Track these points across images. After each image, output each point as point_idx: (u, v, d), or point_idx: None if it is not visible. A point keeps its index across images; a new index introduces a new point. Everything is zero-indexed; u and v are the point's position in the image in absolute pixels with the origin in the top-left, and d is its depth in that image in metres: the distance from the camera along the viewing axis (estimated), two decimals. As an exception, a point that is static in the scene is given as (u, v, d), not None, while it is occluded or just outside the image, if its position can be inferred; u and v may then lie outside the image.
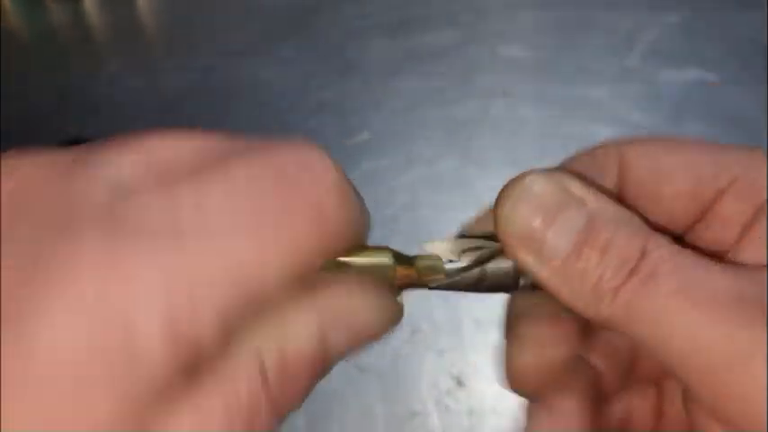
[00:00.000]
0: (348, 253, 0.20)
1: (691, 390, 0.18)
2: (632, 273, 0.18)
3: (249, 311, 0.17)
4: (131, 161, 0.18)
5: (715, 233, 0.22)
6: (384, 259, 0.21)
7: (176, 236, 0.16)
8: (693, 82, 0.51)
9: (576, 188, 0.20)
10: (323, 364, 0.19)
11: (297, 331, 0.18)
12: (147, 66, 0.55)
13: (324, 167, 0.19)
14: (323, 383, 0.43)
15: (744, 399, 0.17)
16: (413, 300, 0.45)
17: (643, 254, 0.19)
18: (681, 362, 0.18)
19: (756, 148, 0.22)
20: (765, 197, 0.21)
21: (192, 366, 0.16)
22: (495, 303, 0.44)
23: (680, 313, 0.18)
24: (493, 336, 0.43)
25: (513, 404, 0.42)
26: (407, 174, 0.49)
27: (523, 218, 0.20)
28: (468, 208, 0.47)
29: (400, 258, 0.21)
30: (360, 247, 0.21)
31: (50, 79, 0.54)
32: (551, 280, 0.19)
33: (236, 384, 0.17)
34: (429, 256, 0.22)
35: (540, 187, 0.20)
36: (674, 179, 0.22)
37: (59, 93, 0.54)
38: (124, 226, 0.16)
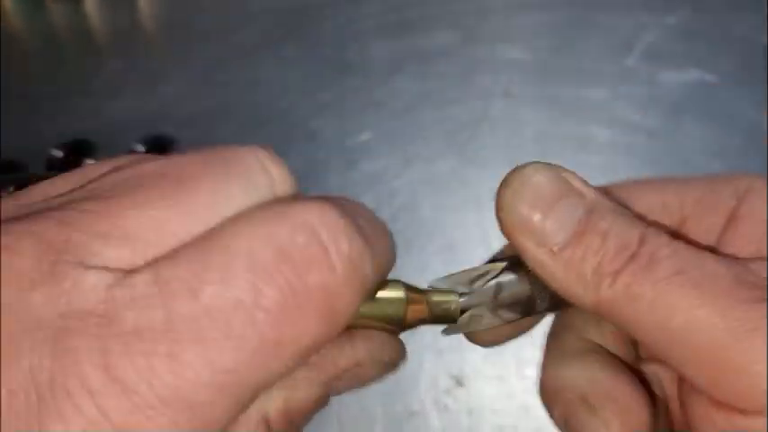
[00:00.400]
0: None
1: (688, 373, 0.19)
2: (632, 258, 0.19)
3: (253, 399, 0.16)
4: (116, 246, 0.16)
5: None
6: (398, 294, 0.21)
7: (172, 343, 0.15)
8: (692, 83, 0.51)
9: (575, 180, 0.20)
10: (323, 406, 0.20)
11: (301, 389, 0.19)
12: (147, 67, 0.55)
13: (333, 235, 0.17)
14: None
15: (744, 373, 0.17)
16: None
17: (642, 240, 0.19)
18: (680, 342, 0.18)
19: (717, 177, 0.23)
20: (730, 206, 0.22)
21: None
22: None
23: (680, 294, 0.18)
24: (492, 336, 0.43)
25: (511, 404, 0.42)
26: (407, 174, 0.49)
27: (524, 206, 0.20)
28: (468, 208, 0.48)
29: (412, 292, 0.21)
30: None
31: (51, 79, 0.54)
32: (551, 266, 0.20)
33: None
34: (441, 290, 0.22)
35: (540, 177, 0.20)
36: (648, 216, 0.22)
37: (59, 93, 0.54)
38: (119, 334, 0.15)
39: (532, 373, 0.42)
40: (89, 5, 0.57)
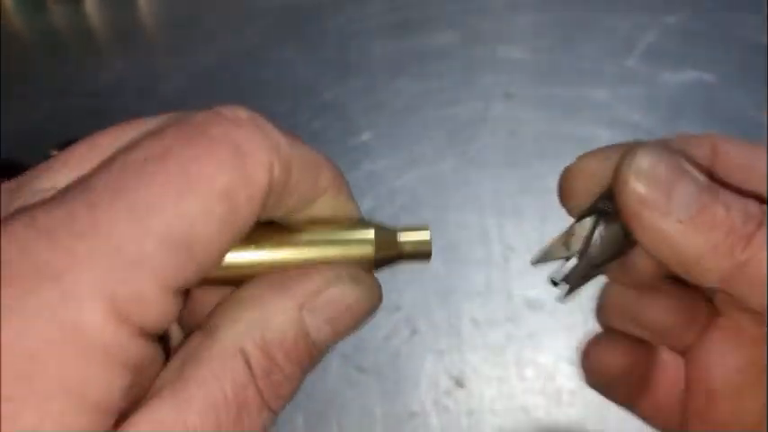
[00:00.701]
0: (332, 226, 0.21)
1: None
2: (760, 224, 0.20)
3: (198, 272, 0.17)
4: (62, 173, 0.18)
5: None
6: (367, 235, 0.21)
7: (90, 200, 0.16)
8: (692, 83, 0.51)
9: (685, 163, 0.21)
10: (309, 352, 0.19)
11: (276, 318, 0.19)
12: (147, 67, 0.55)
13: (239, 113, 0.18)
14: (322, 383, 0.43)
15: None
16: (412, 301, 0.45)
17: (762, 210, 0.20)
18: None
19: None
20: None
21: (150, 341, 0.17)
22: (495, 304, 0.44)
23: None
24: (492, 336, 0.43)
25: (511, 405, 0.42)
26: (408, 174, 0.49)
27: (647, 183, 0.21)
28: (469, 208, 0.47)
29: (383, 231, 0.21)
30: (347, 220, 0.21)
31: (51, 79, 0.54)
32: (680, 236, 0.20)
33: (221, 380, 0.17)
34: (411, 227, 0.22)
35: (660, 156, 0.21)
36: (760, 179, 0.23)
37: (60, 93, 0.54)
38: (45, 207, 0.17)
39: (532, 374, 0.43)
40: (89, 5, 0.57)
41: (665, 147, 0.22)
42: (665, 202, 0.20)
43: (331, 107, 0.52)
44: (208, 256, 0.17)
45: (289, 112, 0.52)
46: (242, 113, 0.18)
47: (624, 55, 0.53)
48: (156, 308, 0.17)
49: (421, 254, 0.22)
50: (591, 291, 0.45)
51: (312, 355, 0.20)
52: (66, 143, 0.47)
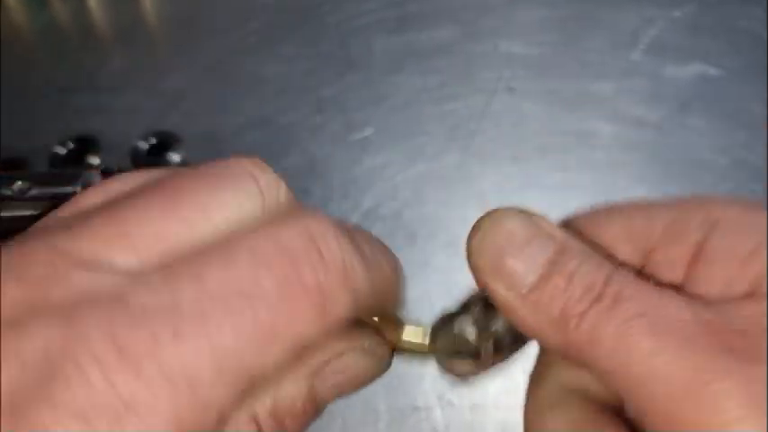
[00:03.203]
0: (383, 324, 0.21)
1: (646, 420, 0.18)
2: (597, 299, 0.19)
3: (248, 390, 0.17)
4: (120, 249, 0.18)
5: (661, 276, 0.22)
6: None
7: (176, 321, 0.16)
8: (697, 77, 0.51)
9: (545, 223, 0.21)
10: (314, 411, 0.20)
11: (287, 387, 0.19)
12: (149, 63, 0.55)
13: (329, 243, 0.18)
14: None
15: (700, 427, 0.17)
16: (415, 295, 0.45)
17: (607, 281, 0.19)
18: (638, 389, 0.18)
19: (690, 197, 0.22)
20: (698, 237, 0.21)
21: None
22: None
23: (639, 339, 0.18)
24: (496, 331, 0.43)
25: (515, 399, 0.42)
26: (410, 170, 0.49)
27: (493, 248, 0.20)
28: (471, 203, 0.47)
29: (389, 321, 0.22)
30: (389, 318, 0.21)
31: (53, 76, 0.54)
32: (520, 309, 0.20)
33: None
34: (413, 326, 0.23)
35: (510, 221, 0.20)
36: (614, 246, 0.22)
37: (62, 89, 0.54)
38: (128, 313, 0.16)
39: (536, 368, 0.42)
40: (92, 2, 0.57)
41: (526, 210, 0.21)
42: (504, 273, 0.20)
43: (331, 103, 0.52)
44: (262, 390, 0.18)
45: (289, 108, 0.52)
46: (332, 250, 0.18)
47: (628, 49, 0.53)
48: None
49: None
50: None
51: (316, 412, 0.20)
52: (67, 140, 0.47)
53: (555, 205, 0.50)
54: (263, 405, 0.19)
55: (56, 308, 0.16)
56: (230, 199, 0.19)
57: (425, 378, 0.42)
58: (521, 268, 0.20)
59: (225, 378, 0.16)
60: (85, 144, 0.49)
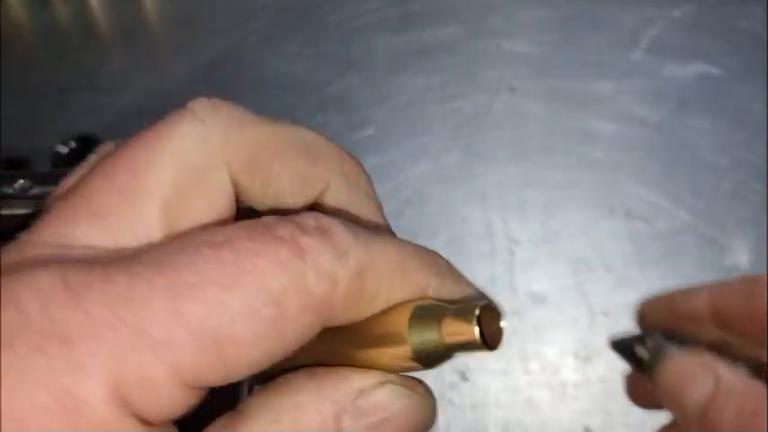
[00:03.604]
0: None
1: None
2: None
3: (224, 376, 0.16)
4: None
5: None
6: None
7: (129, 280, 0.15)
8: (698, 76, 0.51)
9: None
10: None
11: (309, 418, 0.17)
12: (150, 62, 0.55)
13: (308, 220, 0.17)
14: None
15: None
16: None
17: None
18: None
19: None
20: None
21: (155, 428, 0.15)
22: (499, 298, 0.44)
23: None
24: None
25: (516, 398, 0.42)
26: (412, 169, 0.49)
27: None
28: (473, 202, 0.47)
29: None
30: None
31: (53, 75, 0.54)
32: None
33: None
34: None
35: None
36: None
37: (63, 88, 0.53)
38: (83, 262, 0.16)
39: (537, 367, 0.42)
40: (92, 1, 0.57)
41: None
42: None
43: (333, 102, 0.52)
44: (240, 361, 0.16)
45: (291, 107, 0.52)
46: (311, 221, 0.17)
47: (629, 48, 0.52)
48: (165, 400, 0.15)
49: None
50: (599, 291, 0.44)
51: None
52: (69, 139, 0.47)
53: (556, 204, 0.51)
54: (277, 426, 0.17)
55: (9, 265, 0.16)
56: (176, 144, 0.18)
57: (427, 377, 0.42)
58: None
59: (181, 329, 0.15)
60: (87, 143, 0.49)
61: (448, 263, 0.20)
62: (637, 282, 0.44)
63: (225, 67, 0.54)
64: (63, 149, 0.48)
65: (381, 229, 0.21)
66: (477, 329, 0.17)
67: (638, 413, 0.41)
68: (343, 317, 0.17)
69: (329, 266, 0.16)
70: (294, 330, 0.16)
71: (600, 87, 0.51)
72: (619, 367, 0.42)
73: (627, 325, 0.43)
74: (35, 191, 0.38)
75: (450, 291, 0.19)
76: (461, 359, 0.42)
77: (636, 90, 0.51)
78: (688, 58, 0.51)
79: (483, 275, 0.45)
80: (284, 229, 0.16)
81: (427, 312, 0.18)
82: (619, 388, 0.41)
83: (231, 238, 0.16)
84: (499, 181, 0.48)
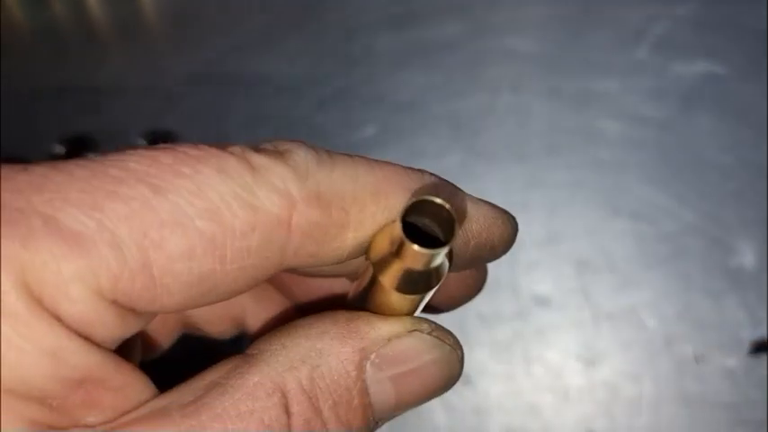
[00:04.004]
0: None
1: None
2: None
3: (158, 302, 0.14)
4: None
5: None
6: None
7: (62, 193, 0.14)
8: (703, 74, 0.50)
9: None
10: (363, 414, 0.16)
11: (332, 359, 0.15)
12: (149, 61, 0.55)
13: (267, 143, 0.16)
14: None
15: None
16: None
17: None
18: None
19: None
20: None
21: (90, 345, 0.14)
22: (502, 300, 0.44)
23: None
24: (499, 333, 0.43)
25: (519, 402, 0.41)
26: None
27: None
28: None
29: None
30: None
31: (51, 75, 0.54)
32: None
33: (245, 419, 0.14)
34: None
35: None
36: None
37: (61, 88, 0.53)
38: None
39: (540, 371, 0.42)
40: (91, 0, 0.57)
41: None
42: None
43: (333, 101, 0.52)
44: (169, 279, 0.14)
45: (291, 106, 0.51)
46: (268, 144, 0.15)
47: (634, 46, 0.52)
48: (83, 309, 0.14)
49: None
50: (603, 293, 0.44)
51: (366, 420, 0.16)
52: (67, 140, 0.47)
53: (559, 205, 0.50)
54: (295, 375, 0.15)
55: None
56: None
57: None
58: None
59: (97, 225, 0.13)
60: (85, 144, 0.49)
61: (438, 180, 0.18)
62: (642, 283, 0.44)
63: (225, 67, 0.54)
64: (61, 150, 0.48)
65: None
66: (400, 231, 0.15)
67: (643, 417, 0.41)
68: (309, 248, 0.15)
69: (281, 184, 0.15)
70: (237, 253, 0.14)
71: (604, 86, 0.51)
72: (623, 370, 0.42)
73: (631, 327, 0.43)
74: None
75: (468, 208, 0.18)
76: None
77: (641, 89, 0.50)
78: (693, 57, 0.51)
79: (485, 277, 0.45)
80: (236, 147, 0.15)
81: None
82: (624, 392, 0.41)
83: (176, 146, 0.15)
84: (502, 181, 0.48)
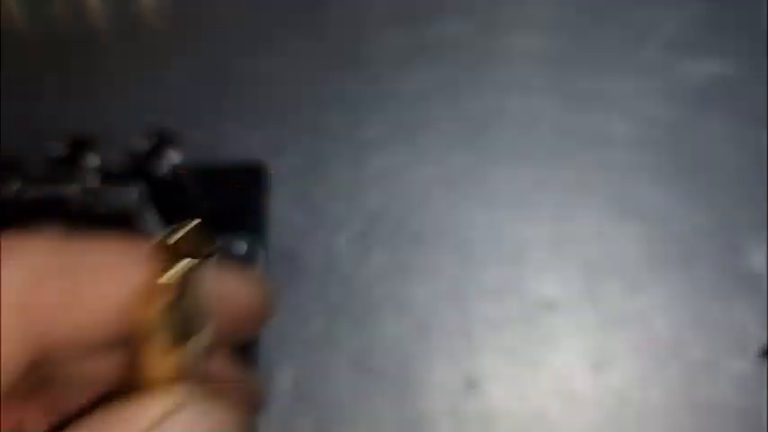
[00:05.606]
0: None
1: None
2: None
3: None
4: None
5: None
6: None
7: None
8: (713, 74, 0.50)
9: None
10: None
11: None
12: (149, 61, 0.55)
13: None
14: (330, 388, 0.42)
15: None
16: (422, 301, 0.44)
17: None
18: None
19: None
20: None
21: None
22: (508, 304, 0.43)
23: None
24: (505, 337, 0.43)
25: (526, 408, 0.41)
26: (417, 171, 0.48)
27: None
28: (481, 204, 0.47)
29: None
30: None
31: (51, 74, 0.54)
32: None
33: None
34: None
35: None
36: None
37: (60, 88, 0.53)
38: None
39: (547, 376, 0.42)
40: (92, 0, 0.57)
41: None
42: None
43: (337, 100, 0.51)
44: None
45: (291, 106, 0.51)
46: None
47: (643, 46, 0.52)
48: None
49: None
50: (612, 296, 0.44)
51: None
52: (66, 140, 0.46)
53: (567, 207, 0.50)
54: None
55: None
56: None
57: (433, 386, 0.41)
58: None
59: None
60: (84, 144, 0.48)
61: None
62: (651, 287, 0.43)
63: (225, 66, 0.53)
64: (59, 150, 0.48)
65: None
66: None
67: (651, 424, 0.40)
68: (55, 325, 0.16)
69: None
70: None
71: (613, 86, 0.50)
72: (632, 375, 0.41)
73: (640, 331, 0.42)
74: (32, 193, 0.38)
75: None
76: (469, 368, 0.42)
77: (649, 89, 0.50)
78: (703, 56, 0.51)
79: (491, 280, 0.44)
80: None
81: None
82: (633, 398, 0.40)
83: None
84: (509, 182, 0.47)
